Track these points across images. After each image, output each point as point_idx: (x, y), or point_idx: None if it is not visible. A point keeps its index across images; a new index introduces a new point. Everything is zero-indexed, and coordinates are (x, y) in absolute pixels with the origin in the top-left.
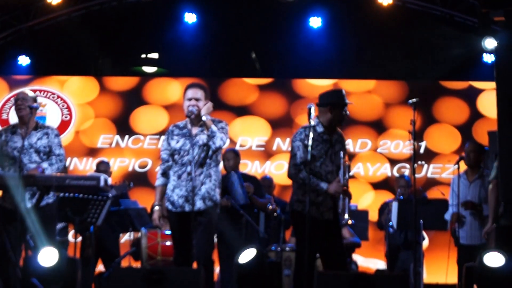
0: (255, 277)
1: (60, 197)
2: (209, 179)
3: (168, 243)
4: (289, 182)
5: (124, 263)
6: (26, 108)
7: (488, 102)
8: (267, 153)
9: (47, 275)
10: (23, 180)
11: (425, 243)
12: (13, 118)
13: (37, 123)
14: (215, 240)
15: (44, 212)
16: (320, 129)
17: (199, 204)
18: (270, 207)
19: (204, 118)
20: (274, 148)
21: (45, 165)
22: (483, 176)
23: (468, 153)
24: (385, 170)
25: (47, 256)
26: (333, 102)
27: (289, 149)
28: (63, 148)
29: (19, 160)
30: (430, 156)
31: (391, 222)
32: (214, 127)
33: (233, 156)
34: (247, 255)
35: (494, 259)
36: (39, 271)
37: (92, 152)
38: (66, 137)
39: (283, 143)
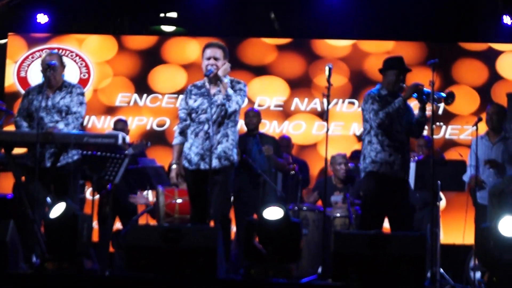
0: (277, 235)
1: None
2: (226, 139)
3: (184, 201)
4: (306, 142)
5: (141, 221)
6: (47, 68)
7: (507, 64)
8: (285, 113)
9: (52, 226)
10: (42, 137)
11: (443, 204)
12: (32, 76)
13: (64, 82)
14: (232, 198)
15: (65, 170)
16: (383, 92)
17: (214, 163)
18: (292, 167)
19: (220, 81)
20: (292, 108)
21: (61, 126)
22: (505, 138)
23: (491, 115)
24: None
25: (56, 209)
26: (390, 66)
27: (307, 109)
28: (82, 107)
29: (38, 118)
30: (448, 117)
31: None
32: (230, 90)
33: (255, 115)
34: (272, 213)
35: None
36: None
37: (110, 110)
38: (85, 96)
39: (301, 103)
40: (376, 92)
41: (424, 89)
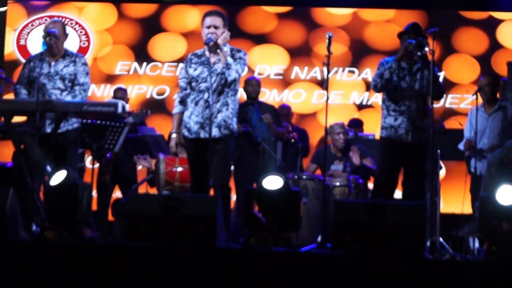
0: (276, 204)
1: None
2: (226, 108)
3: (184, 169)
4: (306, 111)
5: (141, 189)
6: (49, 36)
7: (507, 33)
8: (285, 82)
9: (52, 195)
10: (42, 106)
11: (442, 173)
12: (31, 44)
13: (66, 51)
14: (232, 167)
15: (64, 138)
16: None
17: (214, 131)
18: (292, 135)
19: (219, 50)
20: (292, 76)
21: (68, 98)
22: (502, 107)
23: (483, 87)
24: None
25: (56, 177)
26: (404, 32)
27: (307, 77)
28: (89, 77)
29: (38, 85)
30: (448, 86)
31: None
32: (229, 59)
33: (256, 84)
34: (272, 182)
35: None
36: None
37: (110, 78)
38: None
39: (301, 72)
40: (387, 59)
41: (418, 53)
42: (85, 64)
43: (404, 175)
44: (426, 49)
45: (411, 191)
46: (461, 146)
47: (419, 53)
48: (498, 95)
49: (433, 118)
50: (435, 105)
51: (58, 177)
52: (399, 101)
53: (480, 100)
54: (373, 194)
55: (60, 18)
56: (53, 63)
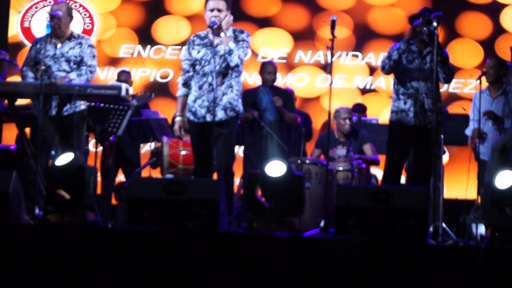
0: (280, 190)
1: None
2: (231, 89)
3: (188, 152)
4: (310, 95)
5: (144, 173)
6: (51, 18)
7: (511, 18)
8: (288, 66)
9: (57, 177)
10: (45, 88)
11: (446, 158)
12: (35, 26)
13: (72, 32)
14: (239, 151)
15: (70, 120)
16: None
17: (220, 114)
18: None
19: (222, 34)
20: (296, 60)
21: (73, 75)
22: (506, 92)
23: (489, 69)
24: None
25: (62, 159)
26: (415, 16)
27: (311, 61)
28: (96, 60)
29: (41, 68)
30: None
31: None
32: (231, 44)
33: (274, 70)
34: (275, 168)
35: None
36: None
37: (114, 61)
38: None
39: (304, 56)
40: (400, 42)
41: (424, 28)
42: (91, 46)
43: (413, 159)
44: (435, 24)
45: (418, 175)
46: (468, 132)
47: (426, 29)
48: (504, 79)
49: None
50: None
51: (63, 159)
52: (407, 84)
53: (483, 85)
54: (384, 179)
55: (66, 0)
56: (59, 45)
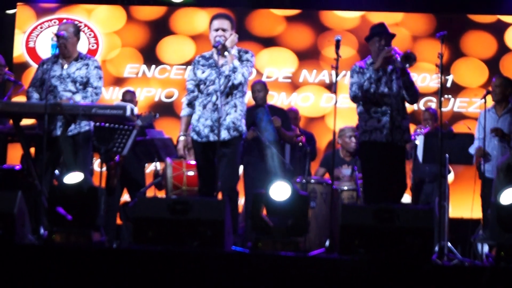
0: (285, 210)
1: None
2: (235, 109)
3: (192, 173)
4: (314, 114)
5: (149, 193)
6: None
7: None
8: (293, 85)
9: (69, 198)
10: (50, 108)
11: (451, 177)
12: (40, 46)
13: (80, 53)
14: (240, 171)
15: (75, 140)
16: (369, 60)
17: (224, 134)
18: (300, 139)
19: (226, 53)
20: (301, 80)
21: (78, 97)
22: (511, 110)
23: (494, 88)
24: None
25: (72, 179)
26: (372, 35)
27: (316, 81)
28: (102, 81)
29: (47, 88)
30: (456, 90)
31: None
32: (236, 62)
33: (262, 88)
34: (280, 190)
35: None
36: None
37: (119, 81)
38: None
39: (309, 75)
40: (358, 64)
41: (396, 53)
42: (98, 67)
43: (385, 175)
44: (414, 60)
45: (390, 191)
46: (472, 150)
47: (408, 64)
48: (510, 98)
49: (441, 121)
50: (443, 109)
51: (71, 179)
52: (381, 101)
53: (488, 104)
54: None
55: (73, 21)
56: (65, 66)
